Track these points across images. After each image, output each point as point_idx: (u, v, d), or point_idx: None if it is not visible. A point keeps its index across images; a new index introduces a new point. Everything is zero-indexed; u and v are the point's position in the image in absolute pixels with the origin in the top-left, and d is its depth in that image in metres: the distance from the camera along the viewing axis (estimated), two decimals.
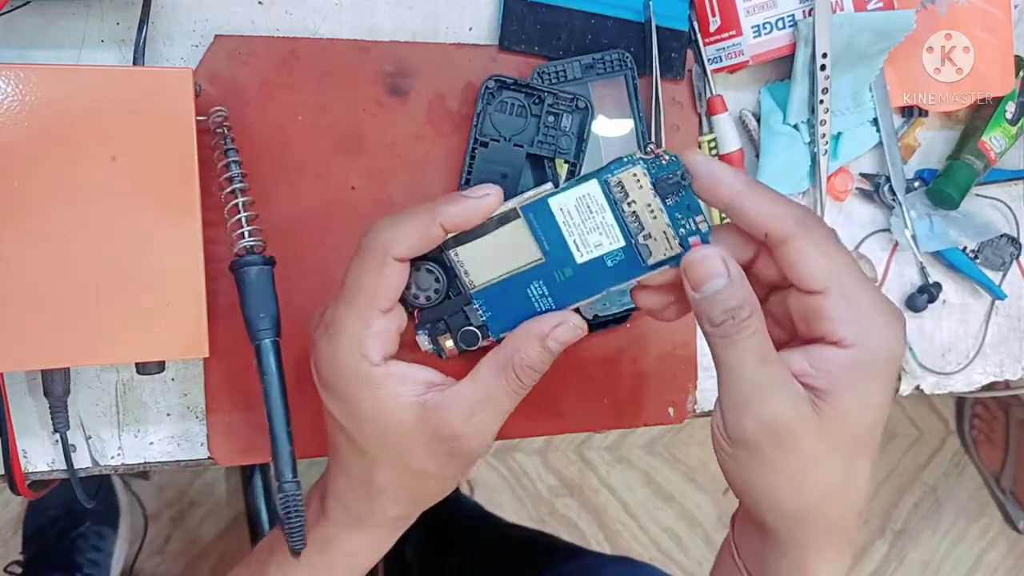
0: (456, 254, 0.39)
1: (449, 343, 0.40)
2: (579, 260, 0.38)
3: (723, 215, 0.52)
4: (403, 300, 0.40)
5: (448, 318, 0.40)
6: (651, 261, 0.38)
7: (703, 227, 0.37)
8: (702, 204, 0.38)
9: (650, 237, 0.38)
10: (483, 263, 0.39)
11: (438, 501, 0.44)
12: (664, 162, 0.37)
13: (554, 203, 0.38)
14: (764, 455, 0.36)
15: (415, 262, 0.39)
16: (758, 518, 0.40)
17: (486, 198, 0.38)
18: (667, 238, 0.38)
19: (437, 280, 0.39)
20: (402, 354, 0.40)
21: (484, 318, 0.40)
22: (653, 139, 0.53)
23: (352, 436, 0.40)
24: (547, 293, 0.39)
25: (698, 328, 0.57)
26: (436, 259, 0.39)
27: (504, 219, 0.38)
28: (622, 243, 0.38)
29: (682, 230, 0.37)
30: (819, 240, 0.36)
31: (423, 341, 0.41)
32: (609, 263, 0.38)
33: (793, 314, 0.38)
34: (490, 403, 0.39)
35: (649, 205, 0.37)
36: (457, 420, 0.38)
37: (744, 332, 0.36)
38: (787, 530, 0.39)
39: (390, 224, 0.38)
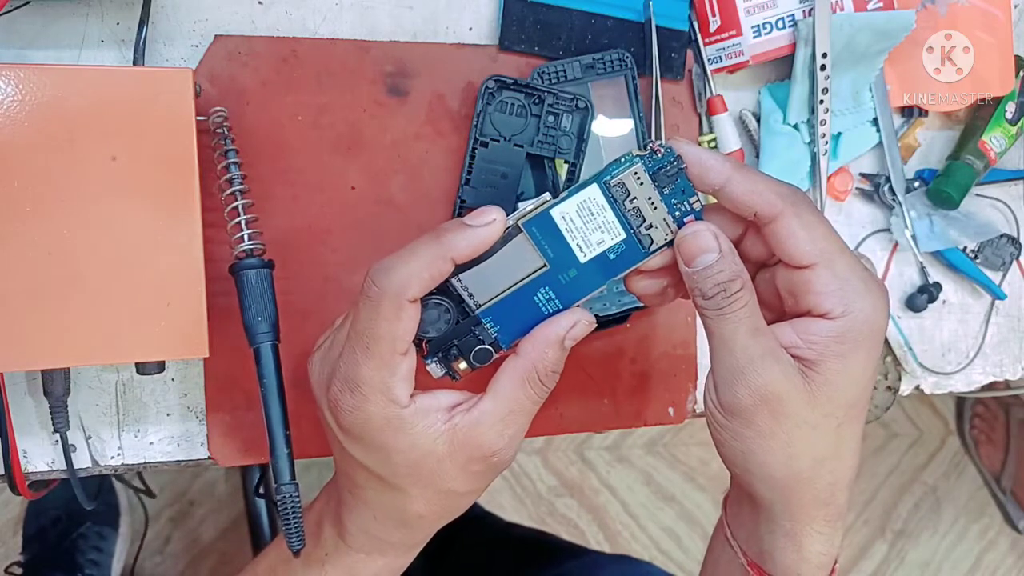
0: (459, 281, 0.39)
1: (463, 365, 0.40)
2: (582, 260, 0.39)
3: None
4: None
5: (458, 342, 0.40)
6: (652, 248, 0.39)
7: (696, 206, 0.38)
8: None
9: (652, 227, 0.38)
10: (487, 283, 0.39)
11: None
12: (660, 155, 0.37)
13: (556, 213, 0.38)
14: (756, 423, 0.38)
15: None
16: (750, 490, 0.41)
17: (493, 224, 0.37)
18: (666, 224, 0.38)
19: (447, 311, 0.39)
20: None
21: (494, 333, 0.40)
22: (653, 138, 0.53)
23: (380, 476, 0.40)
24: (554, 296, 0.39)
25: (698, 328, 0.57)
26: (440, 289, 0.39)
27: (506, 238, 0.38)
28: (623, 236, 0.38)
29: (677, 212, 0.38)
30: (806, 216, 0.37)
31: (435, 370, 0.40)
32: (611, 256, 0.39)
33: (781, 290, 0.39)
34: (518, 414, 0.39)
35: (650, 198, 0.38)
36: (491, 438, 0.39)
37: (736, 304, 0.37)
38: (779, 500, 0.40)
39: (398, 265, 0.37)
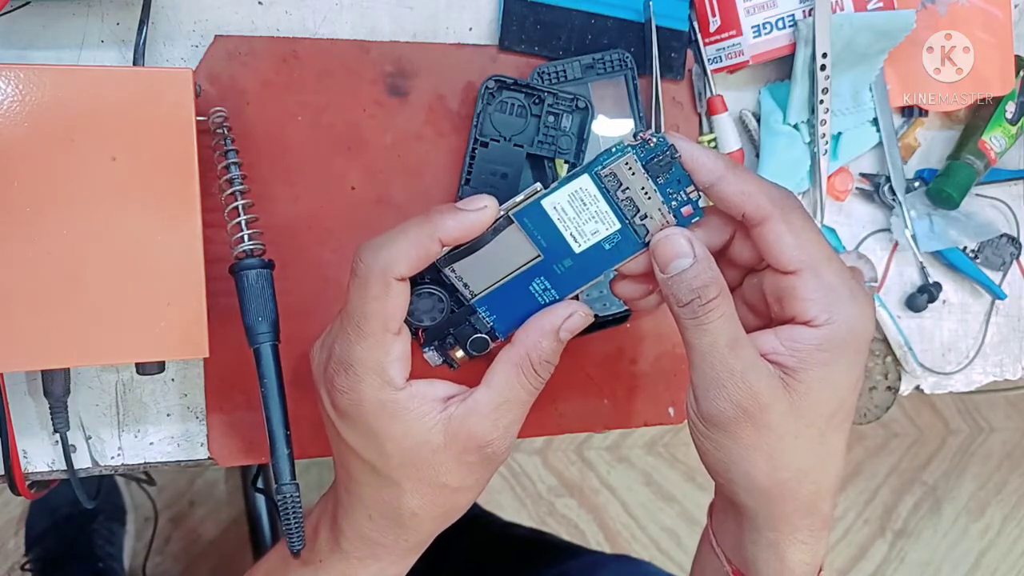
0: (453, 271, 0.39)
1: (459, 353, 0.40)
2: (577, 250, 0.38)
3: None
4: (406, 322, 0.39)
5: (455, 331, 0.40)
6: (648, 238, 0.38)
7: (694, 196, 0.38)
8: None
9: (646, 217, 0.38)
10: (481, 272, 0.39)
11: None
12: (652, 144, 0.37)
13: (547, 203, 0.38)
14: (738, 434, 0.37)
15: (413, 286, 0.39)
16: (734, 499, 0.41)
17: (484, 210, 0.37)
18: (662, 214, 0.38)
19: (440, 300, 0.39)
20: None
21: (490, 323, 0.40)
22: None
23: (375, 467, 0.40)
24: (549, 286, 0.39)
25: None
26: (433, 279, 0.39)
27: (498, 228, 0.38)
28: (618, 226, 0.38)
29: (674, 202, 0.38)
30: (795, 221, 0.37)
31: (432, 358, 0.40)
32: (607, 246, 0.39)
33: (767, 295, 0.39)
34: (513, 404, 0.39)
35: (643, 188, 0.37)
36: (485, 427, 0.38)
37: (712, 314, 0.36)
38: (762, 510, 0.40)
39: (386, 244, 0.37)
